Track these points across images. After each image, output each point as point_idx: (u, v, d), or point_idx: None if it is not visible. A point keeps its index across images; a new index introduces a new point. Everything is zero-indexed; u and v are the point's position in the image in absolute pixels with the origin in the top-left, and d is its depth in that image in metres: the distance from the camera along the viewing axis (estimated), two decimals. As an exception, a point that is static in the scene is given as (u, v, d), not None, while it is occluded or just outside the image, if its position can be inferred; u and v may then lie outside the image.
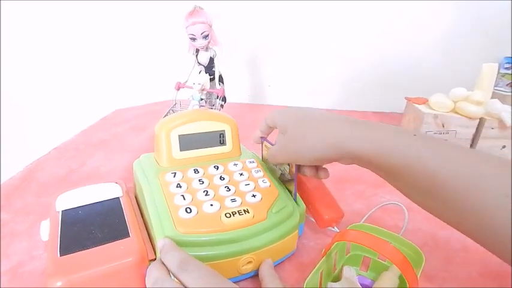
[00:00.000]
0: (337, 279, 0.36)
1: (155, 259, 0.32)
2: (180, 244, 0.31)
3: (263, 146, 0.45)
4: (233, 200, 0.36)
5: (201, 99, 0.64)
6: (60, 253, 0.31)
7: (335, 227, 0.43)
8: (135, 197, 0.44)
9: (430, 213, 0.28)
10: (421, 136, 0.27)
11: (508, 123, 0.61)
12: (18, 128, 0.98)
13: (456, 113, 0.66)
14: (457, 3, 0.86)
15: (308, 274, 0.31)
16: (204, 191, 0.36)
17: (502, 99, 0.65)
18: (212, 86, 0.67)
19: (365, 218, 0.46)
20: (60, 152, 0.67)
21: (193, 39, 0.63)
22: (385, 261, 0.36)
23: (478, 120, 0.64)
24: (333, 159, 0.32)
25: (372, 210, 0.47)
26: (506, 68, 0.85)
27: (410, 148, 0.26)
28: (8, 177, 0.56)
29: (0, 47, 0.89)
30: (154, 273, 0.28)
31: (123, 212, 0.37)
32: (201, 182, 0.38)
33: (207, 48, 0.65)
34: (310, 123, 0.33)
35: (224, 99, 0.68)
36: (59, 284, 0.28)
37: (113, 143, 0.72)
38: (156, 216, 0.34)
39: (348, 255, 0.38)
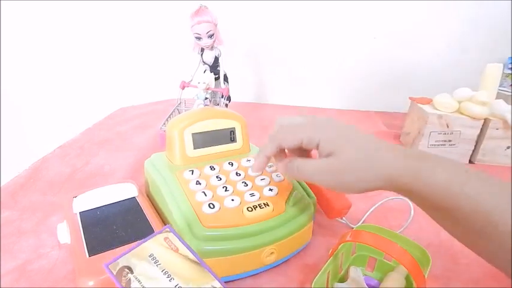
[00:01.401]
0: (343, 279, 0.36)
1: None
2: (206, 239, 0.32)
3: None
4: (252, 195, 0.37)
5: (206, 98, 0.64)
6: (88, 254, 0.31)
7: (343, 218, 0.44)
8: (147, 195, 0.44)
9: (480, 255, 0.27)
10: (475, 174, 0.26)
11: (513, 124, 0.61)
12: (22, 127, 0.99)
13: (461, 113, 0.66)
14: (462, 2, 0.85)
15: (314, 274, 0.31)
16: (223, 187, 0.37)
17: (505, 99, 0.65)
18: (217, 85, 0.67)
19: (370, 211, 0.47)
20: (64, 151, 0.67)
21: (199, 38, 0.63)
22: (390, 262, 0.36)
23: (482, 121, 0.64)
24: (381, 189, 0.30)
25: (378, 203, 0.48)
26: (510, 69, 0.85)
27: (465, 186, 0.25)
28: (12, 176, 0.56)
29: (1, 46, 0.89)
30: None
31: (143, 211, 0.38)
32: (219, 179, 0.39)
33: (212, 48, 0.65)
34: (363, 151, 0.30)
35: (229, 98, 0.68)
36: (90, 283, 0.29)
37: (117, 142, 0.73)
38: (179, 213, 0.35)
39: (354, 255, 0.38)
